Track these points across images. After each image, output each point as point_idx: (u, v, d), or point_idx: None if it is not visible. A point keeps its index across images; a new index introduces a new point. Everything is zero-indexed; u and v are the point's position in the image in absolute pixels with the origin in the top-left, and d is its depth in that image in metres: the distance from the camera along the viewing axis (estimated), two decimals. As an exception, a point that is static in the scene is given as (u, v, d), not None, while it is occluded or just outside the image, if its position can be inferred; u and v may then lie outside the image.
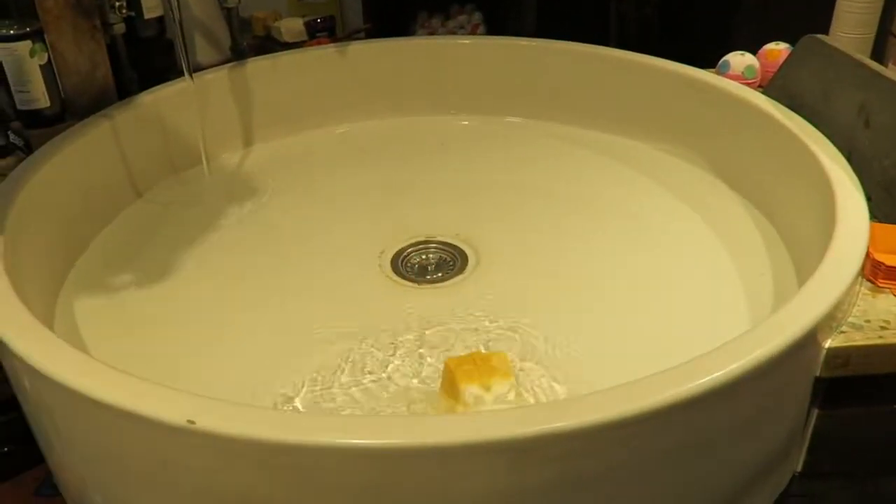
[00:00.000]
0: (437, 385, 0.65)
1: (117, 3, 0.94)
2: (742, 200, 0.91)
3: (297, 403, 0.65)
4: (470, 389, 0.59)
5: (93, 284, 0.80)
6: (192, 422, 0.48)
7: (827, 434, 0.65)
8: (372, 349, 0.72)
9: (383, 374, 0.68)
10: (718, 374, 0.52)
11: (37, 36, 0.88)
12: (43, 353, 0.55)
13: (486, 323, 0.75)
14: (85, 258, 0.84)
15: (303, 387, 0.67)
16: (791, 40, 0.98)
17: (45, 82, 0.90)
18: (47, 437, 0.62)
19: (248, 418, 0.48)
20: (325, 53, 1.10)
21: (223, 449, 0.49)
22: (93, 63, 0.94)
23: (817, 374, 0.60)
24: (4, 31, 0.87)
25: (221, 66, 1.05)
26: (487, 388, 0.60)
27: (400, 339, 0.73)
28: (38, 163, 0.80)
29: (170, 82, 0.98)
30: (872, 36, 1.06)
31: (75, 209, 0.84)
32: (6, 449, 0.83)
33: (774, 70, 0.97)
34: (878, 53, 1.11)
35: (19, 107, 0.91)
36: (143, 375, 0.53)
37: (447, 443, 0.48)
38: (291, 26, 1.20)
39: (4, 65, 0.89)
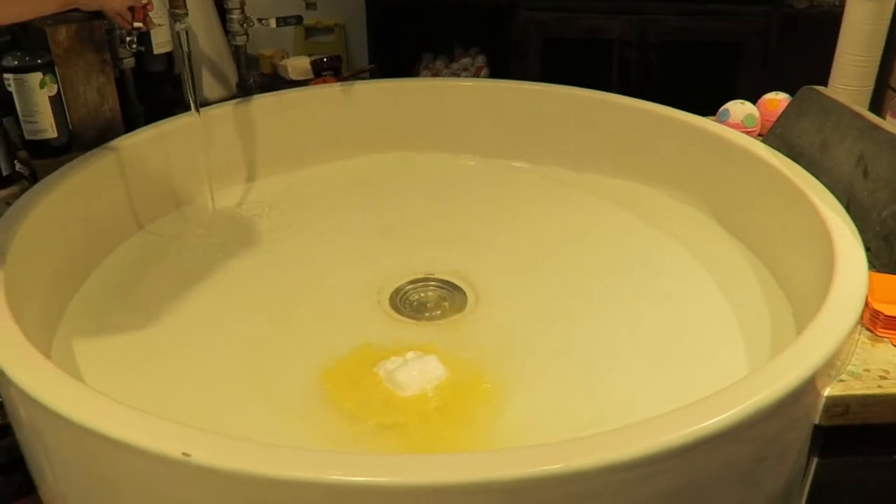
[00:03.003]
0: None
1: (128, 38, 0.95)
2: (741, 247, 0.92)
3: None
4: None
5: (92, 314, 0.80)
6: (186, 454, 0.48)
7: (827, 483, 0.64)
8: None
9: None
10: (715, 419, 0.52)
11: (47, 68, 0.90)
12: (39, 381, 0.55)
13: (480, 362, 0.75)
14: (85, 288, 0.84)
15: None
16: (790, 90, 1.00)
17: (54, 113, 0.91)
18: (40, 465, 0.61)
19: (242, 453, 0.48)
20: (329, 92, 1.12)
21: (217, 483, 0.48)
22: (101, 96, 0.95)
23: (816, 421, 0.60)
24: (16, 62, 0.88)
25: (227, 102, 1.06)
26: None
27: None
28: (42, 192, 0.81)
29: (176, 116, 0.99)
30: (870, 88, 1.08)
31: (77, 239, 0.85)
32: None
33: (774, 119, 0.98)
34: (877, 106, 1.13)
35: (27, 136, 0.92)
36: (138, 406, 0.52)
37: (441, 482, 0.47)
38: (298, 65, 1.22)
39: (14, 95, 0.90)
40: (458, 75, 1.85)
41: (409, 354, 0.74)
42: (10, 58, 0.89)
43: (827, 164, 0.85)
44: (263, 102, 1.08)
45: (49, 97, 0.91)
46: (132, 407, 0.53)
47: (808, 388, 0.57)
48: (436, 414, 0.68)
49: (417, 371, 0.71)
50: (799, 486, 0.64)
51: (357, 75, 1.20)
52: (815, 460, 0.63)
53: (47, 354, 0.65)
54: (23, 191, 0.83)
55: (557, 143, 1.12)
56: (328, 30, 1.90)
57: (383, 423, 0.67)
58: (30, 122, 0.91)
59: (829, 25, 1.11)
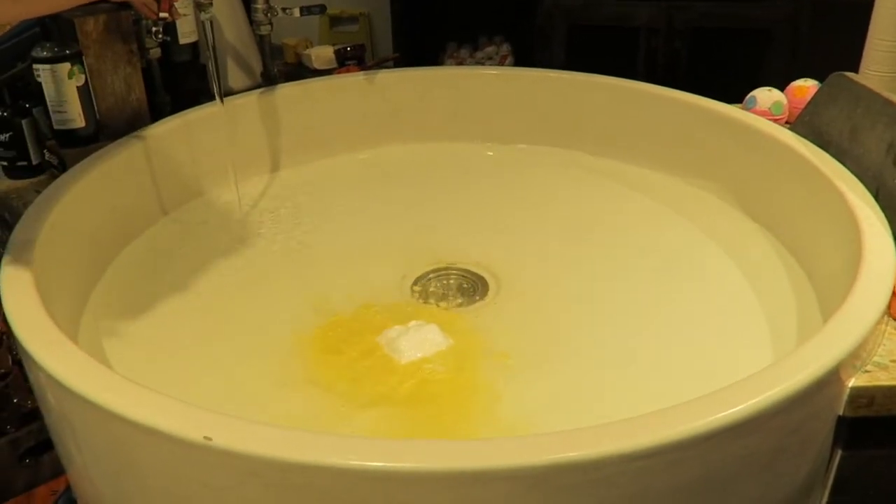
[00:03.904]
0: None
1: (154, 29, 0.96)
2: (767, 235, 0.90)
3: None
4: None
5: (118, 299, 0.82)
6: (208, 438, 0.48)
7: (850, 475, 0.63)
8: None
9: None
10: (737, 408, 0.51)
11: (76, 58, 0.91)
12: (66, 366, 0.56)
13: (504, 348, 0.75)
14: (111, 273, 0.85)
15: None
16: (819, 77, 0.98)
17: (82, 103, 0.93)
18: (68, 449, 0.63)
19: (263, 437, 0.49)
20: (353, 81, 1.12)
21: (238, 467, 0.49)
22: (128, 86, 0.97)
23: (840, 412, 0.59)
24: (45, 52, 0.90)
25: (252, 91, 1.07)
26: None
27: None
28: (70, 181, 0.82)
29: (201, 106, 1.00)
30: (903, 74, 1.05)
31: (104, 226, 0.86)
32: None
33: (802, 107, 0.96)
34: (909, 92, 1.10)
35: (56, 126, 0.94)
36: (162, 390, 0.53)
37: (460, 468, 0.48)
38: (322, 54, 1.22)
39: (44, 85, 0.91)
40: (482, 64, 1.84)
41: (412, 323, 0.75)
42: (39, 49, 0.90)
43: (856, 151, 0.83)
44: (287, 92, 1.08)
45: (77, 87, 0.92)
46: (156, 391, 0.53)
47: (832, 378, 0.56)
48: (431, 385, 0.70)
49: (419, 339, 0.73)
50: (822, 478, 0.64)
51: (381, 64, 1.20)
52: (838, 452, 0.62)
53: (74, 339, 0.66)
54: (52, 179, 0.85)
55: (582, 132, 1.11)
56: (353, 19, 1.91)
57: (378, 391, 0.69)
58: (59, 112, 0.93)
59: (860, 11, 1.09)
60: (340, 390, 0.70)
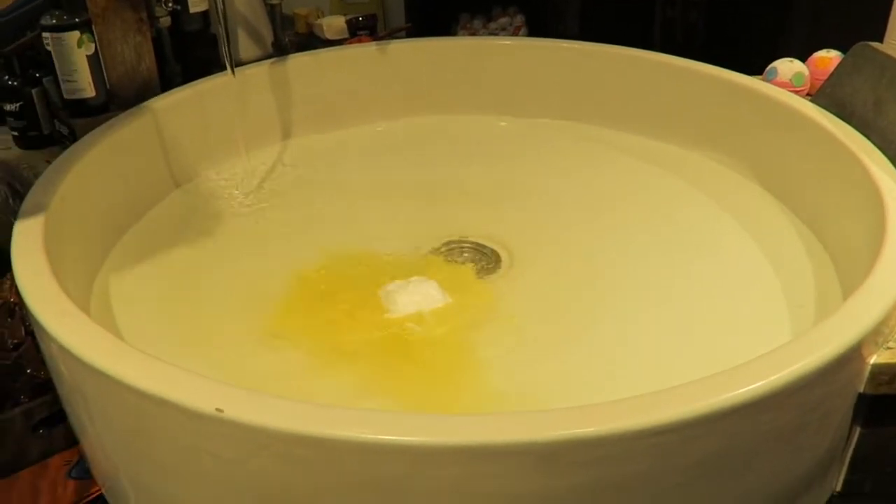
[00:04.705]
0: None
1: (164, -4, 0.95)
2: (786, 211, 0.89)
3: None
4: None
5: (129, 271, 0.81)
6: (220, 410, 0.48)
7: (869, 454, 0.62)
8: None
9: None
10: (756, 385, 0.50)
11: (85, 27, 0.90)
12: (78, 336, 0.56)
13: (518, 323, 0.74)
14: (122, 245, 0.85)
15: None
16: (843, 48, 0.95)
17: (92, 72, 0.92)
18: (80, 420, 0.63)
19: (274, 409, 0.48)
20: (365, 51, 1.10)
21: (249, 439, 0.49)
22: (138, 55, 0.96)
23: (861, 390, 0.58)
24: (54, 21, 0.89)
25: (263, 62, 1.06)
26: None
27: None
28: (81, 151, 0.82)
29: (212, 76, 0.99)
30: (929, 45, 1.03)
31: (115, 197, 0.85)
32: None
33: (824, 78, 0.94)
34: (934, 64, 1.08)
35: (66, 96, 0.93)
36: (174, 362, 0.53)
37: (471, 443, 0.47)
38: (333, 24, 1.21)
39: (53, 54, 0.90)
40: (495, 34, 1.81)
41: (413, 279, 0.76)
42: (48, 17, 0.89)
43: (881, 123, 0.81)
44: (299, 62, 1.07)
45: (87, 56, 0.91)
46: (168, 362, 0.53)
47: (853, 355, 0.55)
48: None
49: (419, 296, 0.74)
50: (840, 455, 0.63)
51: (393, 34, 1.19)
52: (857, 429, 0.61)
53: (86, 310, 0.66)
54: (63, 150, 0.84)
55: (597, 104, 1.09)
56: (365, -11, 1.88)
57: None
58: (68, 82, 0.92)
59: (886, -21, 1.06)
60: (319, 344, 0.70)
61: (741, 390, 0.50)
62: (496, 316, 0.75)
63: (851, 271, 0.72)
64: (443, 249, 0.86)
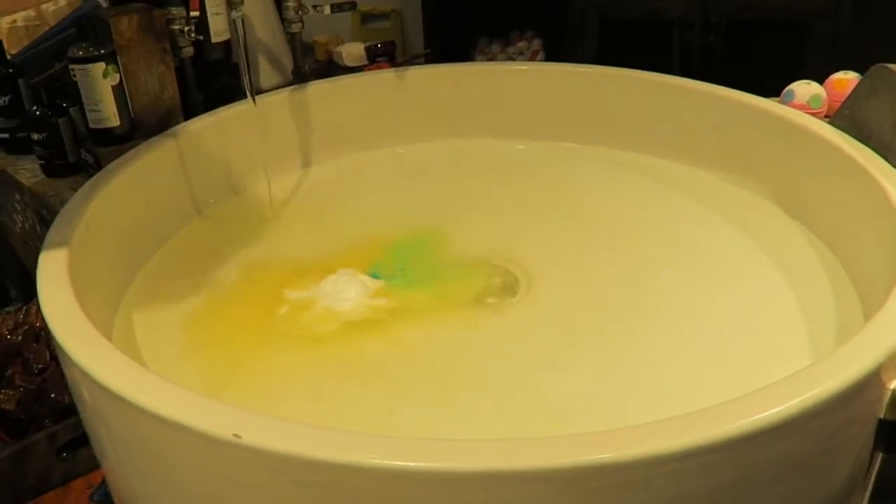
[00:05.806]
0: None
1: (186, 28, 0.97)
2: (806, 233, 0.88)
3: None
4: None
5: (151, 297, 0.82)
6: (237, 436, 0.49)
7: (892, 480, 0.61)
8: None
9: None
10: (774, 410, 0.50)
11: (110, 58, 0.92)
12: (99, 362, 0.57)
13: (535, 349, 0.74)
14: (145, 271, 0.86)
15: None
16: (860, 70, 0.95)
17: (116, 102, 0.94)
18: (102, 444, 0.64)
19: (291, 435, 0.49)
20: (384, 77, 1.12)
21: (266, 464, 0.49)
22: (161, 84, 0.98)
23: (881, 416, 0.57)
24: (81, 52, 0.91)
25: (283, 89, 1.08)
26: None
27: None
28: (105, 179, 0.83)
29: (233, 104, 1.01)
30: (948, 66, 1.02)
31: (139, 224, 0.87)
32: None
33: (842, 100, 0.94)
34: (954, 84, 1.07)
35: (91, 125, 0.95)
36: (194, 388, 0.54)
37: (489, 469, 0.47)
38: (352, 51, 1.23)
39: (79, 85, 0.93)
40: (513, 59, 1.83)
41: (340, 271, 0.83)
42: (75, 49, 0.92)
43: (899, 146, 0.81)
44: (319, 89, 1.09)
45: (112, 86, 0.93)
46: (187, 389, 0.54)
47: (872, 380, 0.54)
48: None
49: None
50: (862, 483, 0.62)
51: (412, 61, 1.20)
52: (879, 456, 0.60)
53: (109, 336, 0.67)
54: (88, 177, 0.86)
55: (615, 127, 1.09)
56: (384, 15, 1.91)
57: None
58: (94, 111, 0.94)
59: (903, 0, 1.06)
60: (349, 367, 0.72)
61: (762, 415, 0.50)
62: (512, 340, 0.75)
63: (872, 294, 0.71)
64: (459, 272, 0.86)
